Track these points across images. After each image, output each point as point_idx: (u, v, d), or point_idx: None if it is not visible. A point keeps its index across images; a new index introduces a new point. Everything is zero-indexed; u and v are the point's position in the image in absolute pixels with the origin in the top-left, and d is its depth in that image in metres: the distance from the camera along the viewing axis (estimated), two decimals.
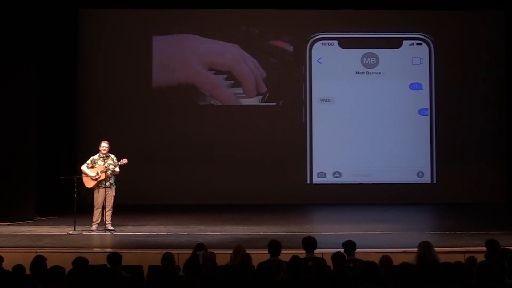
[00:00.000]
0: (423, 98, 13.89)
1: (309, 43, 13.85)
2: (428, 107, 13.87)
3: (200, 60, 13.79)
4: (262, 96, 13.88)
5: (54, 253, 7.64)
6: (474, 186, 13.70)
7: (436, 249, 6.30)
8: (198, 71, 13.78)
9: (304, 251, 6.48)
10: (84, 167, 9.83)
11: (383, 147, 13.81)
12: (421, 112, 13.89)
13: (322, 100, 13.89)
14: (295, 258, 5.69)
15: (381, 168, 13.80)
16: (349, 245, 6.36)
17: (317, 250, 6.70)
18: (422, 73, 13.89)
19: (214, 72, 13.78)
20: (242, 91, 13.85)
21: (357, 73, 13.89)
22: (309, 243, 6.48)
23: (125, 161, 9.82)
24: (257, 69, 13.81)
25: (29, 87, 11.29)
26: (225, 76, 13.79)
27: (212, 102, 13.88)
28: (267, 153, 13.72)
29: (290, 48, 13.95)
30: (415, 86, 13.91)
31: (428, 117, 13.87)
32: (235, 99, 13.86)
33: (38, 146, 11.48)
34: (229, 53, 13.82)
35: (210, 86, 13.83)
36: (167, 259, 5.89)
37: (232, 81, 13.83)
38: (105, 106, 13.76)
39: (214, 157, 13.70)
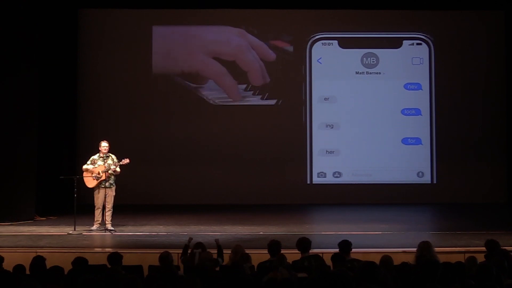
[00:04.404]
0: (423, 98, 13.89)
1: (309, 43, 13.85)
2: (428, 106, 13.88)
3: (204, 50, 13.76)
4: (262, 96, 13.87)
5: (54, 253, 7.65)
6: (474, 186, 13.70)
7: (436, 249, 6.31)
8: (202, 60, 13.74)
9: (300, 252, 6.49)
10: (85, 166, 9.84)
11: (383, 147, 13.81)
12: (419, 112, 13.89)
13: (322, 100, 13.89)
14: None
15: (381, 168, 13.80)
16: (345, 245, 6.36)
17: (317, 250, 6.69)
18: (422, 73, 13.89)
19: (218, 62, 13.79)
20: (242, 91, 13.84)
21: (357, 73, 13.89)
22: (302, 244, 6.48)
23: (126, 160, 9.83)
24: (264, 53, 13.79)
25: (29, 87, 11.30)
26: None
27: (212, 102, 13.87)
28: (267, 153, 13.72)
29: (290, 48, 13.95)
30: (415, 86, 13.91)
31: (428, 117, 13.86)
32: (238, 90, 13.80)
33: (38, 146, 11.49)
34: (233, 41, 13.81)
35: (215, 75, 13.79)
36: (165, 258, 5.90)
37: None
38: (105, 106, 13.77)
39: (214, 157, 13.70)
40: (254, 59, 13.80)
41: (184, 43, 13.84)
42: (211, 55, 13.77)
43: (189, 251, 6.64)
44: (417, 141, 13.88)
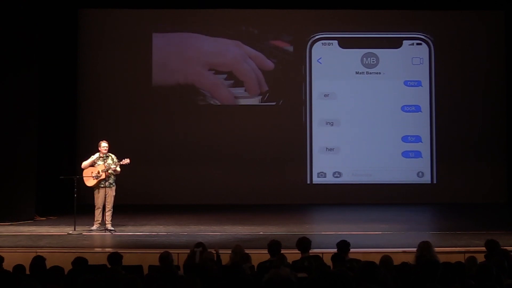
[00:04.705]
0: (423, 98, 13.88)
1: (309, 43, 13.85)
2: (428, 106, 13.87)
3: (201, 60, 13.79)
4: (262, 96, 13.88)
5: (54, 253, 7.65)
6: (474, 186, 13.70)
7: (436, 249, 6.30)
8: (198, 71, 13.78)
9: (300, 252, 6.49)
10: (85, 162, 9.82)
11: (383, 147, 13.81)
12: (419, 108, 13.86)
13: (322, 97, 13.88)
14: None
15: (381, 168, 13.80)
16: (343, 245, 6.36)
17: (317, 250, 6.69)
18: (422, 73, 13.89)
19: (214, 72, 13.78)
20: (242, 92, 13.84)
21: (357, 73, 13.89)
22: (302, 244, 6.48)
23: (127, 161, 9.83)
24: (262, 63, 13.80)
25: (29, 87, 11.30)
26: (225, 76, 13.80)
27: (212, 102, 13.89)
28: (267, 153, 13.72)
29: (290, 48, 13.95)
30: (414, 83, 13.90)
31: (428, 117, 13.85)
32: (234, 100, 13.85)
33: (38, 146, 11.49)
34: (230, 52, 13.82)
35: (210, 86, 13.82)
36: (165, 257, 5.89)
37: (232, 81, 13.84)
38: (105, 106, 13.77)
39: (214, 157, 13.70)
40: (251, 69, 13.80)
41: (181, 51, 13.81)
42: (208, 66, 13.76)
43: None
44: (417, 138, 13.87)
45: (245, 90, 13.84)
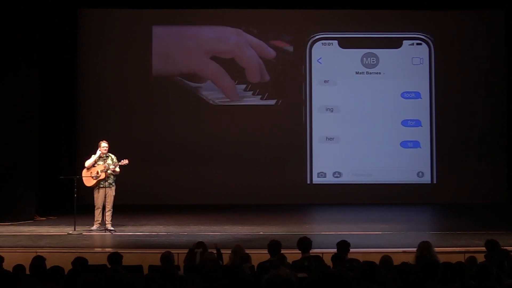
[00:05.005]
0: (423, 95, 13.88)
1: (309, 43, 13.85)
2: (428, 105, 13.87)
3: (202, 49, 13.76)
4: (261, 96, 13.87)
5: (54, 253, 7.65)
6: (474, 186, 13.70)
7: (436, 249, 6.30)
8: (200, 60, 13.75)
9: (300, 252, 6.49)
10: (88, 161, 9.80)
11: (383, 147, 13.81)
12: (419, 96, 13.84)
13: (322, 83, 13.87)
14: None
15: (381, 168, 13.80)
16: (343, 245, 6.36)
17: (317, 250, 6.68)
18: (422, 73, 13.89)
19: (216, 61, 13.75)
20: (242, 91, 13.84)
21: (357, 73, 13.89)
22: (303, 244, 6.48)
23: (125, 161, 9.83)
24: (263, 51, 13.81)
25: (29, 87, 11.30)
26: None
27: (211, 102, 13.88)
28: (267, 153, 13.72)
29: (290, 48, 13.95)
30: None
31: (428, 116, 13.84)
32: (237, 90, 13.81)
33: (38, 146, 11.49)
34: (231, 39, 13.81)
35: (213, 75, 13.79)
36: (166, 258, 5.89)
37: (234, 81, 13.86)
38: (105, 106, 13.78)
39: (214, 157, 13.71)
40: (253, 55, 13.81)
41: (182, 44, 13.84)
42: (210, 54, 13.77)
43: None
44: (417, 123, 13.83)
45: (248, 85, 13.79)
